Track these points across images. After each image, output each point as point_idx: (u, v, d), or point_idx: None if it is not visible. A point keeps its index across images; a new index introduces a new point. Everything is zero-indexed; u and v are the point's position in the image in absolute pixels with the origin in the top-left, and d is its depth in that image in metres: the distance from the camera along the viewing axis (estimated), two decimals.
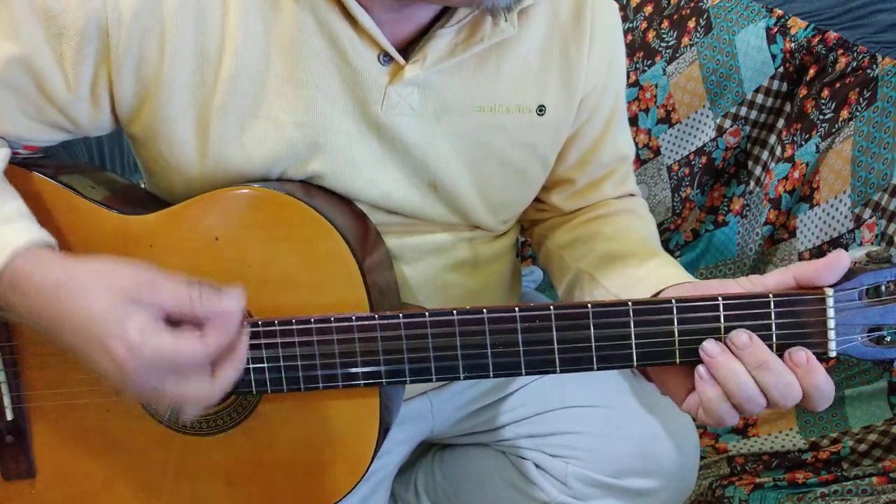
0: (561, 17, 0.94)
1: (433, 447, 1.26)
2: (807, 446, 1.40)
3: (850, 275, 0.75)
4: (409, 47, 0.88)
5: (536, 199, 1.08)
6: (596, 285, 0.95)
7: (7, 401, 0.88)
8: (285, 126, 0.86)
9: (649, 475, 1.06)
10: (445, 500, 1.21)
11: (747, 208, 1.61)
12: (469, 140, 0.93)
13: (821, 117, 1.47)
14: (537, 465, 1.12)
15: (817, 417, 1.43)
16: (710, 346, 0.76)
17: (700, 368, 0.76)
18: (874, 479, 1.29)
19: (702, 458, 1.41)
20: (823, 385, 0.74)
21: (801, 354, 0.75)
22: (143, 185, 1.01)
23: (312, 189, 0.89)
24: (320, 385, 0.82)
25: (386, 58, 0.86)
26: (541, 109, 0.95)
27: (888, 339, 0.76)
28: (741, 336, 0.75)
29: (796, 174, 1.49)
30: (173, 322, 0.73)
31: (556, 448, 1.10)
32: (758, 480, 1.38)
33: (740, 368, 0.74)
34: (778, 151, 1.54)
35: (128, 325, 0.71)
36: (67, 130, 0.88)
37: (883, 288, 0.75)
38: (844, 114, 1.43)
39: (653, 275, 0.89)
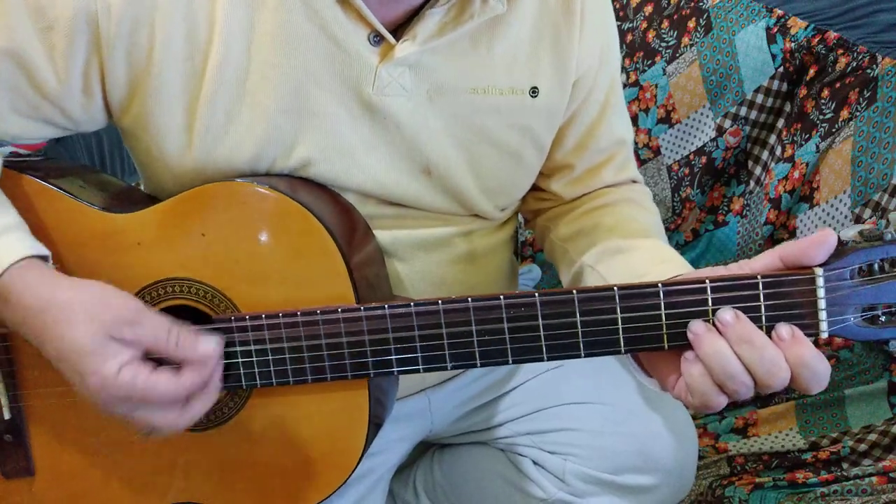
0: (550, 0, 0.94)
1: (432, 446, 1.26)
2: (807, 446, 1.40)
3: (842, 254, 0.73)
4: (399, 28, 0.88)
5: (537, 188, 1.08)
6: (599, 279, 0.95)
7: (4, 400, 0.89)
8: (272, 113, 0.86)
9: (648, 472, 1.06)
10: (444, 499, 1.22)
11: (747, 208, 1.61)
12: (462, 122, 0.93)
13: (821, 117, 1.46)
14: (535, 463, 1.12)
15: (817, 417, 1.42)
16: (695, 325, 0.75)
17: (687, 352, 0.75)
18: (874, 479, 1.29)
19: (702, 458, 1.41)
20: (811, 359, 0.72)
21: (786, 329, 0.73)
22: (140, 186, 1.01)
23: (298, 183, 0.89)
24: (308, 378, 0.83)
25: (376, 38, 0.86)
26: (534, 91, 0.95)
27: (883, 318, 0.74)
28: (727, 314, 0.74)
29: (796, 174, 1.49)
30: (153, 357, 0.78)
31: (554, 445, 1.10)
32: (758, 480, 1.37)
33: (724, 345, 0.73)
34: (778, 151, 1.54)
35: (105, 362, 0.75)
36: (62, 126, 0.88)
37: (876, 266, 0.73)
38: (844, 114, 1.43)
39: (655, 270, 0.89)
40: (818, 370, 0.73)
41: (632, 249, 0.95)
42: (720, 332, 0.74)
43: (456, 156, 0.94)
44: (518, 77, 0.94)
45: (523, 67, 0.94)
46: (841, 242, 0.74)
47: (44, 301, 0.77)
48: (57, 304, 0.77)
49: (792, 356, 0.73)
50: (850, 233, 0.75)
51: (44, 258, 0.81)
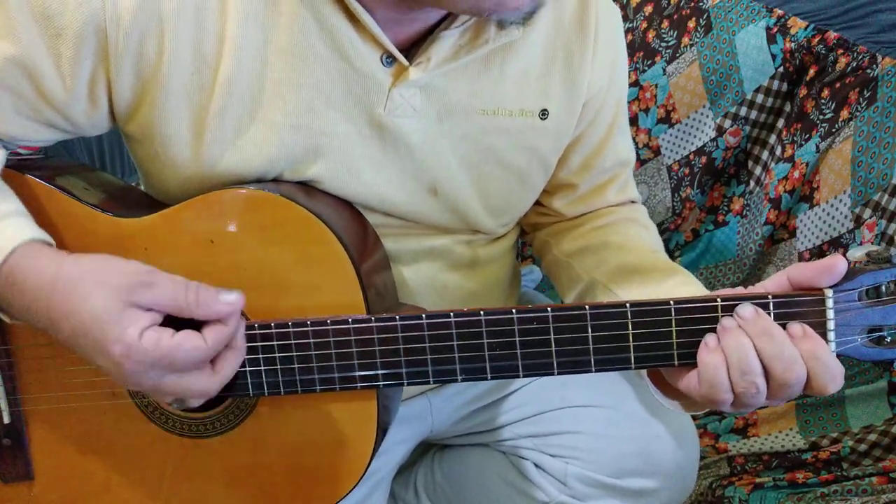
0: (564, 21, 0.94)
1: (433, 447, 1.26)
2: (807, 446, 1.40)
3: (850, 275, 0.75)
4: (412, 48, 0.88)
5: (539, 203, 1.08)
6: (612, 297, 0.95)
7: (4, 404, 0.88)
8: (282, 129, 0.85)
9: (649, 475, 1.06)
10: (445, 501, 1.21)
11: (747, 208, 1.61)
12: (471, 143, 0.93)
13: (821, 117, 1.46)
14: (537, 465, 1.12)
15: (817, 417, 1.43)
16: (726, 320, 0.76)
17: (708, 337, 0.76)
18: (874, 479, 1.29)
19: (702, 458, 1.41)
20: (825, 356, 0.74)
21: (797, 326, 0.75)
22: (140, 187, 1.00)
23: (309, 190, 0.88)
24: (317, 388, 0.82)
25: (389, 59, 0.86)
26: (544, 113, 0.95)
27: (888, 339, 0.76)
28: (746, 309, 0.75)
29: (796, 174, 1.49)
30: (174, 319, 0.75)
31: (555, 448, 1.10)
32: (758, 480, 1.38)
33: (748, 341, 0.74)
34: (778, 151, 1.54)
35: (126, 328, 0.72)
36: (64, 130, 0.88)
37: (883, 288, 0.75)
38: (844, 114, 1.43)
39: (674, 293, 0.89)
40: (831, 367, 0.74)
41: (646, 272, 0.95)
42: (740, 326, 0.75)
43: (463, 176, 0.94)
44: (528, 99, 0.94)
45: (534, 89, 0.94)
46: (849, 263, 0.76)
47: (51, 277, 0.74)
48: (65, 278, 0.74)
49: (805, 351, 0.74)
50: (858, 254, 0.77)
51: (48, 244, 0.79)
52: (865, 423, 1.37)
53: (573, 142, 1.01)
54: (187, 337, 0.74)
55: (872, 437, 1.34)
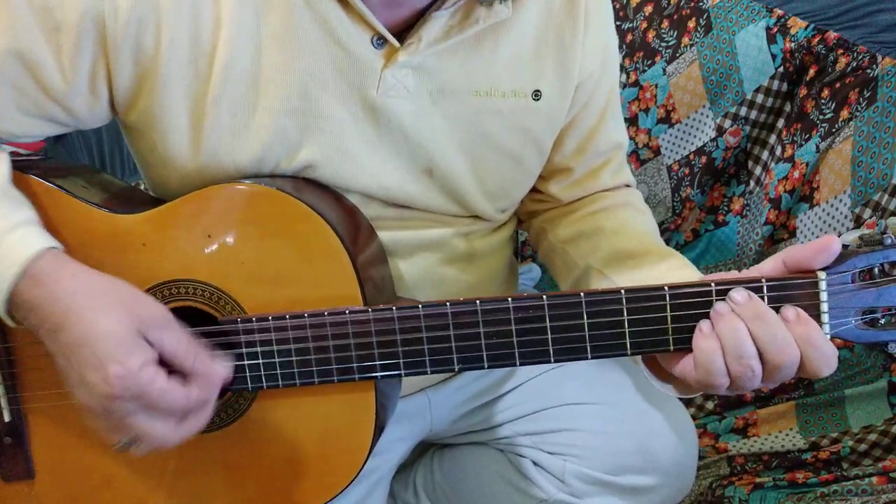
0: (554, 4, 0.95)
1: (432, 447, 1.26)
2: (807, 446, 1.40)
3: (843, 258, 0.76)
4: (404, 30, 0.88)
5: (535, 190, 1.09)
6: (608, 283, 0.95)
7: (4, 402, 0.89)
8: (278, 114, 0.86)
9: (648, 472, 1.07)
10: (444, 499, 1.22)
11: (747, 208, 1.61)
12: (465, 124, 0.93)
13: (821, 117, 1.46)
14: (535, 463, 1.12)
15: (817, 417, 1.42)
16: (719, 306, 0.76)
17: (702, 322, 0.77)
18: (874, 479, 1.29)
19: (702, 458, 1.41)
20: (818, 340, 0.74)
21: (791, 310, 0.75)
22: (141, 186, 1.01)
23: (304, 184, 0.89)
24: (315, 380, 0.83)
25: (380, 41, 0.86)
26: (536, 94, 0.95)
27: (882, 321, 0.77)
28: (739, 294, 0.76)
29: (796, 174, 1.49)
30: (164, 364, 0.77)
31: (554, 446, 1.10)
32: (758, 480, 1.37)
33: (742, 325, 0.75)
34: (778, 151, 1.54)
35: (132, 355, 0.75)
36: (65, 123, 0.88)
37: (876, 270, 0.76)
38: (844, 114, 1.43)
39: (668, 277, 0.90)
40: (825, 350, 0.75)
41: (640, 256, 0.96)
42: (733, 311, 0.76)
43: (457, 157, 0.95)
44: (521, 80, 0.94)
45: (527, 70, 0.94)
46: (842, 246, 0.76)
47: (81, 284, 0.77)
48: (94, 288, 0.77)
49: (799, 335, 0.75)
50: (851, 237, 0.78)
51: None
52: (865, 423, 1.37)
53: (567, 125, 1.02)
54: (176, 385, 0.76)
55: (872, 437, 1.34)
